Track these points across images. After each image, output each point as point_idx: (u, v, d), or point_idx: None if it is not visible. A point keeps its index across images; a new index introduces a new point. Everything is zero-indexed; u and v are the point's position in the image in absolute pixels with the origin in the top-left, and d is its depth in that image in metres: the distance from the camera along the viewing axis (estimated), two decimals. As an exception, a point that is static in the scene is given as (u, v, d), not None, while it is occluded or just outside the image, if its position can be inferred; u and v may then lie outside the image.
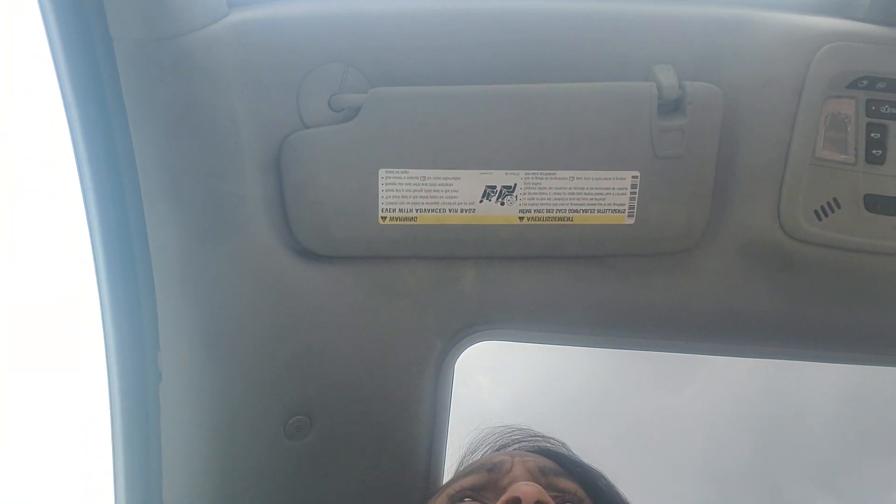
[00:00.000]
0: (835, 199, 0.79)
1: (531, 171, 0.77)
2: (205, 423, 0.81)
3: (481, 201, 0.77)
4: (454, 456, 0.85)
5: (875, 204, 0.79)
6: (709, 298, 0.83)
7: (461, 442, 0.84)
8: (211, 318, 0.77)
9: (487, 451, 0.80)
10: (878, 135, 0.79)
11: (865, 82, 0.77)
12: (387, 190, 0.76)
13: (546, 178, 0.77)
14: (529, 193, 0.78)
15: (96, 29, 0.67)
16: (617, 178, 0.78)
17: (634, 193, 0.78)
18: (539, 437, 0.80)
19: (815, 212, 0.79)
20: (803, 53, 0.76)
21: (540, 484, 0.65)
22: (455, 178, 0.77)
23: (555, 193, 0.78)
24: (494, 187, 0.77)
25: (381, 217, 0.77)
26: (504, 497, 0.63)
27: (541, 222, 0.79)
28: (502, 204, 0.78)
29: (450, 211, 0.78)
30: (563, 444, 0.80)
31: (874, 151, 0.79)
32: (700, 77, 0.77)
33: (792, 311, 0.84)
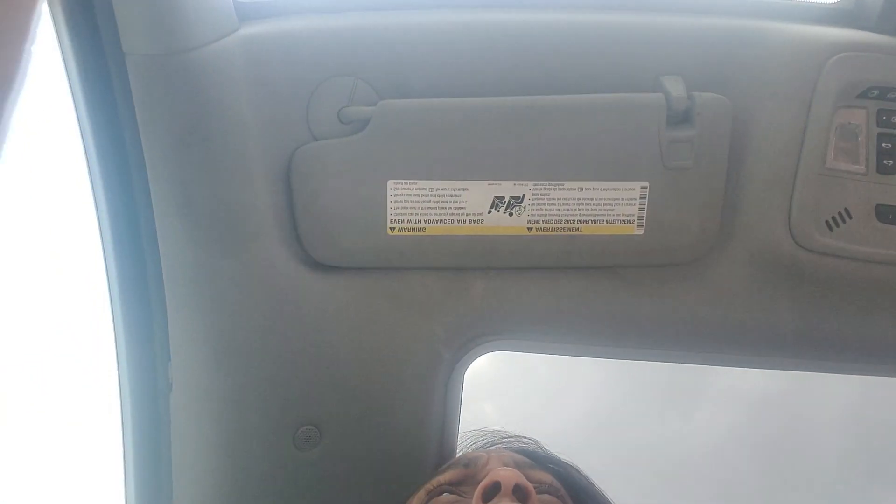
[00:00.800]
0: (846, 210, 0.78)
1: (539, 182, 0.77)
2: (214, 433, 0.81)
3: (490, 212, 0.78)
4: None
5: (887, 214, 0.78)
6: (719, 309, 0.83)
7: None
8: (221, 329, 0.78)
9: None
10: (890, 145, 0.78)
11: (876, 92, 0.77)
12: (395, 201, 0.77)
13: (554, 189, 0.77)
14: (538, 204, 0.78)
15: (109, 44, 0.67)
16: (626, 189, 0.78)
17: (644, 204, 0.78)
18: (512, 437, 0.80)
19: (827, 222, 0.78)
20: (813, 64, 0.76)
21: None
22: (463, 189, 0.77)
23: (563, 204, 0.78)
24: (503, 198, 0.77)
25: (390, 228, 0.78)
26: (484, 482, 0.62)
27: (549, 233, 0.79)
28: (511, 215, 0.78)
29: (458, 222, 0.78)
30: (537, 443, 0.80)
31: (885, 161, 0.78)
32: (709, 88, 0.77)
33: (804, 322, 0.83)
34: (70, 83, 0.69)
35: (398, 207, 0.77)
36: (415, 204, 0.77)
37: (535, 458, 0.73)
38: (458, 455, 0.82)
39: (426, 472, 0.85)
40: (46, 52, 0.67)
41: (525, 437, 0.81)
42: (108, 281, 0.78)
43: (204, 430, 0.82)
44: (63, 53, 0.68)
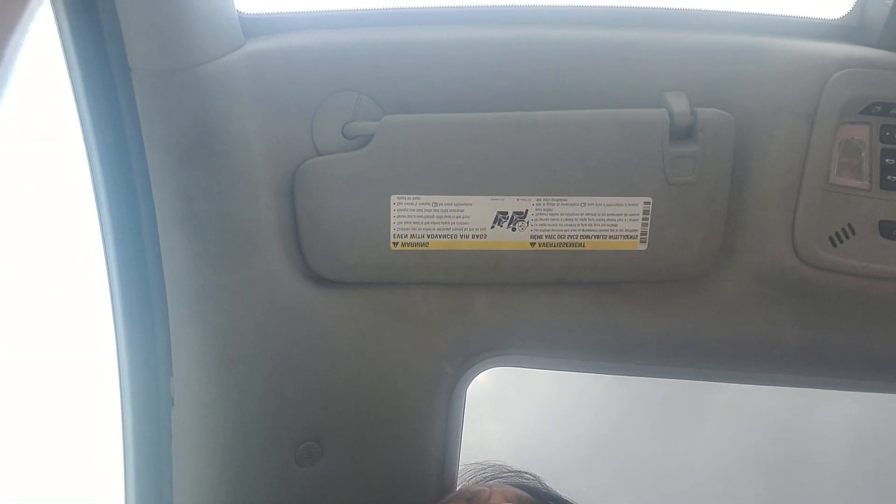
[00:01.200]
0: (849, 226, 0.78)
1: (543, 197, 0.77)
2: (216, 449, 0.81)
3: (493, 227, 0.78)
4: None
5: (890, 230, 0.78)
6: (722, 325, 0.82)
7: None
8: (223, 344, 0.78)
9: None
10: (893, 160, 0.78)
11: (879, 108, 0.77)
12: (399, 216, 0.77)
13: (558, 204, 0.77)
14: (541, 219, 0.78)
15: (115, 60, 0.68)
16: (629, 205, 0.78)
17: (647, 219, 0.78)
18: (513, 472, 0.81)
19: (830, 238, 0.78)
20: (816, 79, 0.76)
21: None
22: (467, 204, 0.77)
23: (566, 219, 0.78)
24: (506, 213, 0.77)
25: (393, 243, 0.78)
26: None
27: (552, 248, 0.79)
28: (514, 230, 0.78)
29: (461, 237, 0.78)
30: (537, 478, 0.80)
31: (889, 177, 0.78)
32: (712, 104, 0.77)
33: (807, 338, 0.83)
34: (76, 98, 0.70)
35: (401, 222, 0.77)
36: (418, 219, 0.77)
37: (537, 495, 0.74)
38: (458, 487, 0.82)
39: (429, 488, 0.85)
40: (54, 67, 0.68)
41: (526, 473, 0.81)
42: (111, 294, 0.78)
43: (205, 444, 0.82)
44: (70, 68, 0.69)
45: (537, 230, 0.78)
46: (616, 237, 0.79)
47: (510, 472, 0.81)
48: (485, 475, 0.82)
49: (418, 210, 0.77)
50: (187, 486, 0.84)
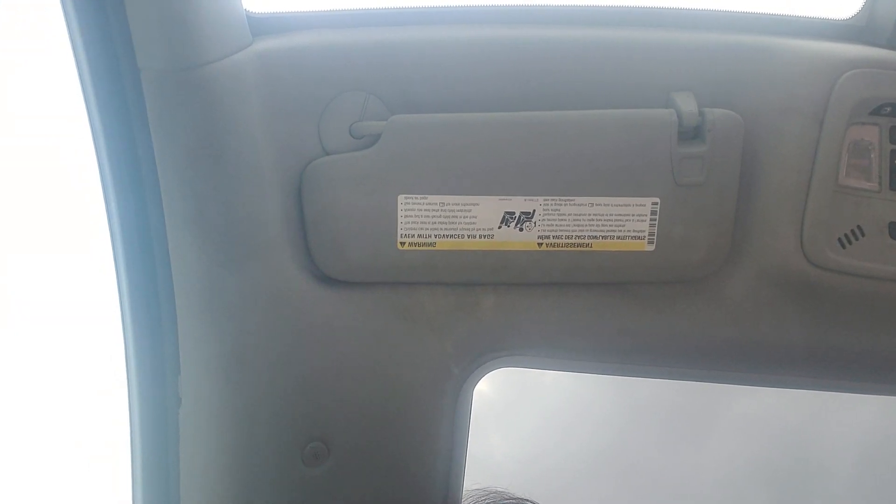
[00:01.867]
0: (859, 227, 0.78)
1: (550, 198, 0.77)
2: (223, 449, 0.81)
3: (500, 227, 0.78)
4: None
5: (900, 232, 0.78)
6: (730, 326, 0.82)
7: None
8: (231, 343, 0.78)
9: None
10: (903, 162, 0.78)
11: (889, 109, 0.77)
12: (406, 216, 0.77)
13: (565, 205, 0.77)
14: (548, 220, 0.78)
15: (124, 59, 0.68)
16: (637, 205, 0.78)
17: (654, 220, 0.78)
18: (514, 500, 0.80)
19: (839, 239, 0.78)
20: (825, 80, 0.76)
21: None
22: (474, 204, 0.77)
23: (574, 220, 0.78)
24: (513, 213, 0.77)
25: (400, 243, 0.78)
26: None
27: (560, 249, 0.79)
28: (521, 230, 0.78)
29: (468, 237, 0.78)
30: None
31: (899, 178, 0.78)
32: (720, 104, 0.77)
33: (815, 340, 0.82)
34: (85, 97, 0.70)
35: (408, 222, 0.77)
36: (425, 219, 0.77)
37: None
38: None
39: (435, 489, 0.85)
40: (63, 68, 0.68)
41: (527, 501, 0.81)
42: (120, 293, 0.78)
43: (212, 444, 0.82)
44: (79, 68, 0.69)
45: (545, 230, 0.78)
46: (624, 238, 0.78)
47: (512, 499, 0.81)
48: (487, 501, 0.82)
49: (425, 210, 0.77)
50: (194, 486, 0.84)
